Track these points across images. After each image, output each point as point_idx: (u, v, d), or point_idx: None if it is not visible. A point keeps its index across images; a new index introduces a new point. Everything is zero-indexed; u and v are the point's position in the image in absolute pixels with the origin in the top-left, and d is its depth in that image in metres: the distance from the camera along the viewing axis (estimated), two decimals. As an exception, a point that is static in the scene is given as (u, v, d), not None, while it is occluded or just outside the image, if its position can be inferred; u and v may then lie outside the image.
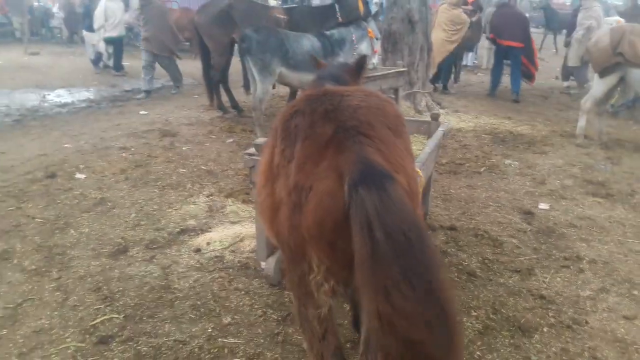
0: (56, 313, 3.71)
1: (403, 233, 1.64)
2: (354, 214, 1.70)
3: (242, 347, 3.42)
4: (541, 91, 13.21)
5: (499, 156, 7.64)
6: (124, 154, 7.27)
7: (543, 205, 5.79)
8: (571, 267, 4.47)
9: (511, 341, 3.50)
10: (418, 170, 3.73)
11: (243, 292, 4.04)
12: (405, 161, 2.05)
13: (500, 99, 12.22)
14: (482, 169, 7.08)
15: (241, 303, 3.90)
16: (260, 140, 3.79)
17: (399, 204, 1.71)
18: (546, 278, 4.28)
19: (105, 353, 3.32)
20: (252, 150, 3.92)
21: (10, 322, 3.60)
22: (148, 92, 11.58)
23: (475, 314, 3.78)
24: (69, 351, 3.32)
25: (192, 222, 5.24)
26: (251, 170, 3.87)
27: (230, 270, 4.36)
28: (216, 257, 4.57)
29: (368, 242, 1.67)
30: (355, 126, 1.97)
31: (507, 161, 7.39)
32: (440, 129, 5.04)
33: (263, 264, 4.19)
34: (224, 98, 9.92)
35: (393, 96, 8.50)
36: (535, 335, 3.56)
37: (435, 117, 5.40)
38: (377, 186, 1.70)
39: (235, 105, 9.87)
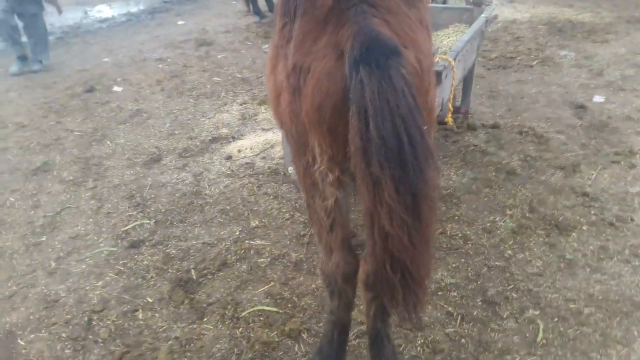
0: (91, 220, 3.85)
1: (397, 133, 1.51)
2: (352, 97, 1.55)
3: (268, 248, 3.44)
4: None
5: (554, 47, 7.01)
6: (160, 65, 7.21)
7: (598, 98, 5.31)
8: (622, 162, 4.13)
9: (546, 240, 3.32)
10: (451, 60, 3.43)
11: (272, 197, 4.01)
12: (418, 34, 1.81)
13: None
14: (534, 62, 6.54)
15: (269, 207, 3.89)
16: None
17: (401, 94, 1.53)
18: (592, 175, 3.98)
19: (136, 256, 3.43)
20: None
21: (49, 229, 3.76)
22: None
23: (510, 212, 3.60)
24: (102, 255, 3.46)
25: (224, 130, 5.20)
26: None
27: (260, 176, 4.32)
28: (247, 163, 4.53)
29: (362, 131, 1.54)
30: None
31: (563, 52, 6.77)
32: (482, 15, 4.58)
33: (290, 169, 4.12)
34: (261, 2, 9.52)
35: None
36: (573, 234, 3.36)
37: (477, 3, 4.91)
38: (380, 66, 1.51)
39: (272, 8, 9.46)
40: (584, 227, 3.41)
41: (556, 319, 2.74)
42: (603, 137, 4.53)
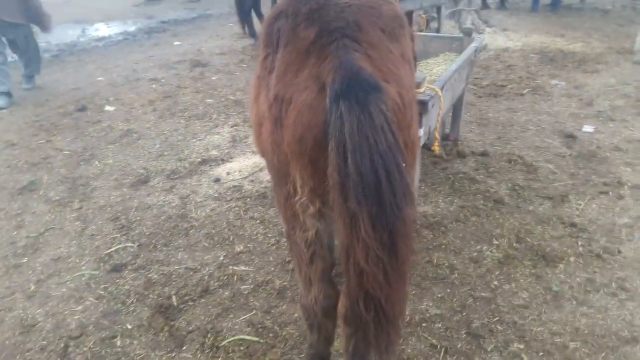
0: (74, 242, 3.79)
1: (375, 170, 1.51)
2: (332, 131, 1.54)
3: (252, 275, 3.39)
4: (603, 3, 12.05)
5: (545, 77, 7.08)
6: (153, 85, 7.22)
7: (587, 128, 5.34)
8: (610, 193, 4.13)
9: (532, 271, 3.29)
10: (437, 90, 3.44)
11: (258, 221, 3.98)
12: (400, 69, 1.81)
13: (556, 15, 11.25)
14: (525, 91, 6.59)
15: (255, 232, 3.85)
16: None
17: (380, 130, 1.52)
18: (580, 205, 3.98)
19: (117, 280, 3.37)
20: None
21: (31, 250, 3.71)
22: None
23: (496, 242, 3.57)
24: (83, 279, 3.40)
25: (214, 152, 5.18)
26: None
27: (248, 199, 4.29)
28: (234, 186, 4.51)
29: (340, 166, 1.53)
30: (341, 27, 1.72)
31: (554, 81, 6.83)
32: (472, 45, 4.62)
33: (277, 193, 4.09)
34: (257, 25, 9.60)
35: (435, 15, 7.93)
36: (560, 265, 3.33)
37: (468, 33, 4.96)
38: (360, 101, 1.51)
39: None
40: (571, 259, 3.39)
41: (541, 353, 2.70)
42: (592, 167, 4.54)
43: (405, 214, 1.54)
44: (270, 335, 2.92)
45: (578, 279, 3.22)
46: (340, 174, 1.53)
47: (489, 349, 2.74)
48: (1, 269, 3.52)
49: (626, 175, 4.39)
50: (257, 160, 4.95)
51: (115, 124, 5.90)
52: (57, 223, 4.04)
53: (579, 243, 3.54)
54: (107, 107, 6.41)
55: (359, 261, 1.56)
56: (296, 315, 3.04)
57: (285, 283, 3.32)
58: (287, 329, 2.95)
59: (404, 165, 1.56)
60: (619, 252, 3.43)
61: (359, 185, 1.50)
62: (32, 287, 3.33)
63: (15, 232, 3.93)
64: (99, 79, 7.63)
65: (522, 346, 2.76)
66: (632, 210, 3.88)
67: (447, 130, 5.04)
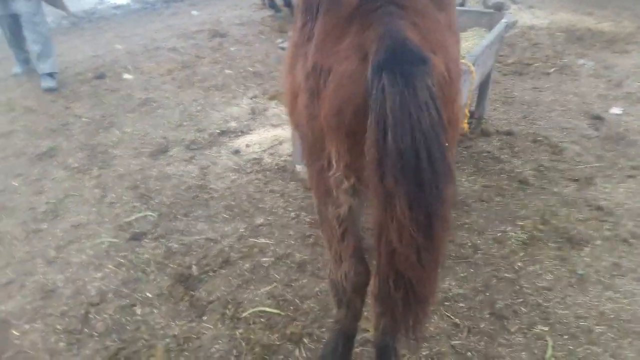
0: (94, 209, 3.79)
1: (416, 148, 1.42)
2: (372, 105, 1.46)
3: (272, 248, 3.37)
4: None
5: (572, 56, 6.87)
6: (172, 55, 7.14)
7: (616, 110, 5.18)
8: (638, 177, 4.01)
9: (557, 253, 3.22)
10: (470, 65, 3.34)
11: (278, 195, 3.93)
12: (447, 39, 1.71)
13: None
14: (551, 70, 6.41)
15: (275, 205, 3.81)
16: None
17: (424, 107, 1.44)
18: (607, 188, 3.88)
19: (137, 249, 3.36)
20: (286, 43, 3.63)
21: (51, 216, 3.71)
22: None
23: (521, 223, 3.50)
24: (103, 246, 3.40)
25: (233, 124, 5.12)
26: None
27: (267, 172, 4.25)
28: (254, 159, 4.46)
29: (379, 142, 1.45)
30: None
31: (581, 61, 6.63)
32: (503, 20, 4.47)
33: (298, 167, 4.04)
34: (277, -4, 9.43)
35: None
36: (586, 248, 3.26)
37: (498, 7, 4.80)
38: (405, 74, 1.42)
39: (288, 3, 9.37)
40: (597, 242, 3.31)
41: (566, 337, 2.65)
42: (619, 150, 4.42)
43: (444, 195, 1.47)
44: (291, 308, 2.90)
45: (604, 263, 3.14)
46: (378, 150, 1.45)
47: (512, 330, 2.70)
48: (21, 234, 3.53)
49: (656, 159, 4.27)
50: (277, 133, 4.89)
51: (134, 93, 5.85)
52: (77, 190, 4.03)
53: (605, 227, 3.45)
54: (126, 76, 6.35)
55: (392, 241, 1.50)
56: (317, 289, 3.02)
57: (306, 257, 3.28)
58: (308, 302, 2.93)
59: (446, 144, 1.48)
60: (648, 237, 3.35)
61: (397, 163, 1.43)
62: (52, 253, 3.34)
63: (35, 198, 3.93)
64: (118, 47, 7.56)
65: (546, 328, 2.71)
66: (661, 195, 3.78)
67: (472, 108, 4.93)
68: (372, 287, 1.92)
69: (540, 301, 2.88)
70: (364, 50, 1.54)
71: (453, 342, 2.62)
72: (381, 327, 1.97)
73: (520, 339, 2.65)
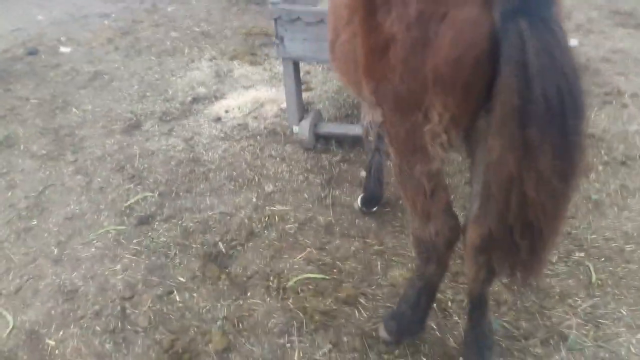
0: (84, 197, 3.46)
1: (561, 94, 1.37)
2: (508, 52, 1.38)
3: (292, 214, 3.25)
4: None
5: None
6: (105, 22, 6.55)
7: (573, 42, 5.41)
8: (614, 102, 4.25)
9: (569, 183, 3.37)
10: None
11: (278, 159, 3.78)
12: None
13: None
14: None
15: (279, 170, 3.67)
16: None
17: (565, 50, 1.38)
18: (591, 116, 4.08)
19: (150, 233, 3.13)
20: (275, -4, 3.40)
21: (37, 211, 3.35)
22: None
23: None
24: (110, 235, 3.13)
25: (202, 90, 4.83)
26: (277, 22, 3.39)
27: (258, 137, 4.06)
28: (239, 124, 4.24)
29: (521, 91, 1.38)
30: None
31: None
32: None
33: (295, 128, 3.89)
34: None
35: None
36: (592, 175, 3.43)
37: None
38: (544, 18, 1.35)
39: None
40: (600, 167, 3.49)
41: (602, 259, 2.80)
42: (589, 79, 4.64)
43: (584, 141, 1.45)
44: (334, 270, 2.83)
45: (612, 186, 3.33)
46: (521, 98, 1.39)
47: (554, 261, 2.81)
48: (10, 235, 3.16)
49: (622, 84, 4.53)
50: (254, 95, 4.68)
51: (79, 67, 5.32)
52: (55, 179, 3.65)
53: (602, 152, 3.64)
54: (63, 49, 5.76)
55: (528, 191, 1.47)
56: (353, 248, 2.97)
57: (330, 218, 3.21)
58: (349, 262, 2.88)
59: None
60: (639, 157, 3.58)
61: (545, 112, 1.38)
62: (55, 251, 3.03)
63: (9, 193, 3.52)
64: (39, 17, 6.81)
65: (582, 254, 2.84)
66: (638, 118, 4.03)
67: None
68: (474, 239, 1.89)
69: (569, 229, 3.00)
70: None
71: (505, 281, 2.69)
72: (481, 278, 1.96)
73: (563, 267, 2.77)
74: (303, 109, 3.91)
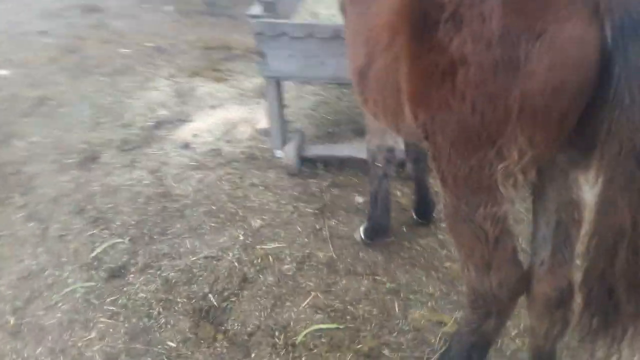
0: (40, 249, 2.96)
1: None
2: (627, 80, 1.12)
3: (286, 251, 2.89)
4: None
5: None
6: (46, 40, 5.92)
7: None
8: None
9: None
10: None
11: (262, 188, 3.41)
12: None
13: None
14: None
15: (265, 200, 3.29)
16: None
17: None
18: None
19: (125, 289, 2.68)
20: (256, 9, 3.03)
21: (-16, 269, 2.84)
22: None
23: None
24: (78, 295, 2.66)
25: (163, 112, 4.37)
26: (258, 37, 3.01)
27: (235, 163, 3.66)
28: (211, 150, 3.83)
29: None
30: None
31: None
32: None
33: (279, 153, 3.53)
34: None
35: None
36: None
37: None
38: None
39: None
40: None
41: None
42: None
43: None
44: (348, 317, 2.50)
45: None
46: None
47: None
48: (-47, 303, 2.64)
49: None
50: (224, 115, 4.28)
51: (20, 91, 4.73)
52: (3, 228, 3.13)
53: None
54: (0, 71, 5.14)
55: None
56: (363, 289, 2.65)
57: (330, 254, 2.88)
58: (361, 306, 2.56)
59: None
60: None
61: None
62: (12, 321, 2.54)
63: (-52, 250, 2.98)
64: (-33, 37, 6.11)
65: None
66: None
67: None
68: (548, 291, 1.62)
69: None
70: (592, 4, 1.16)
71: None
72: (554, 334, 1.68)
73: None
74: (286, 131, 3.55)
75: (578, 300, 1.49)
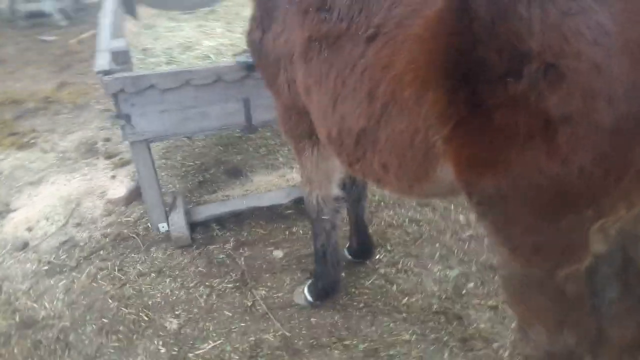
0: None
1: None
2: None
3: (228, 349, 2.37)
4: None
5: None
6: None
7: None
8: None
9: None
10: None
11: (154, 275, 2.74)
12: None
13: None
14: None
15: (167, 291, 2.65)
16: (118, 44, 2.28)
17: None
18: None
19: None
20: (102, 62, 2.32)
21: None
22: None
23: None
24: None
25: (-36, 209, 3.27)
26: (117, 97, 2.32)
27: (102, 252, 2.89)
28: (61, 243, 2.97)
29: None
30: None
31: None
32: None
33: (163, 227, 2.87)
34: None
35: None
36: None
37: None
38: None
39: None
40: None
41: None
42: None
43: None
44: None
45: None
46: None
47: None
48: None
49: None
50: (58, 192, 3.37)
51: None
52: None
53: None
54: None
55: None
56: (339, 362, 2.28)
57: (280, 332, 2.42)
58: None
59: None
60: None
61: None
62: None
63: None
64: None
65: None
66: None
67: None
68: (617, 338, 1.50)
69: None
70: None
71: None
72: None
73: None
74: (163, 200, 2.89)
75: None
